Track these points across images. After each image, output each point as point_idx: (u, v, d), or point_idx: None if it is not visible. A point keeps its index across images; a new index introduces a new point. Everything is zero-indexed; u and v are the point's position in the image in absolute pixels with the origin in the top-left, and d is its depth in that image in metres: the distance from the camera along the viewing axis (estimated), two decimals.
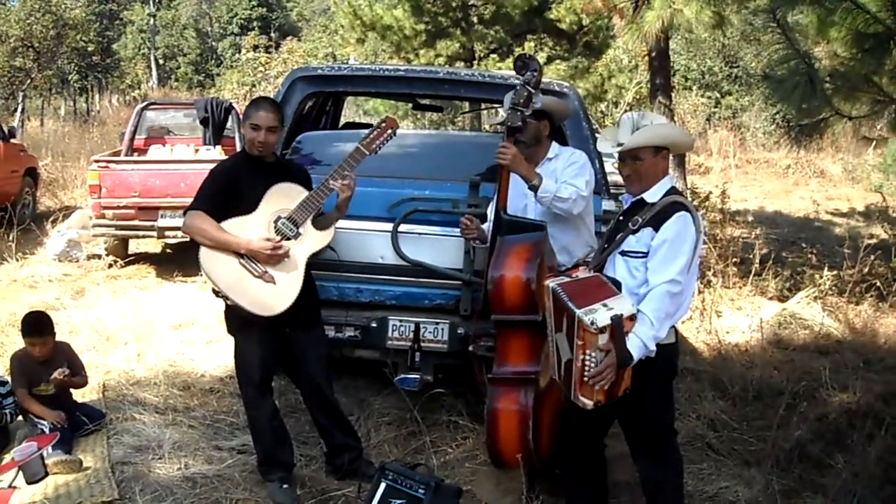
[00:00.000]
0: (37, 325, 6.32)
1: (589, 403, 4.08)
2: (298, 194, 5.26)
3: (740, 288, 10.35)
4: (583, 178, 5.31)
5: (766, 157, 27.87)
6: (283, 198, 5.26)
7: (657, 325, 4.18)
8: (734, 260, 10.66)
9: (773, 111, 30.22)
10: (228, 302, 5.22)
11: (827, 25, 7.41)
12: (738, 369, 7.81)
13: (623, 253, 4.42)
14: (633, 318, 4.14)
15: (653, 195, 4.44)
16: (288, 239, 5.20)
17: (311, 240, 5.28)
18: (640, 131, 4.44)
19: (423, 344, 6.04)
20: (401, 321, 6.08)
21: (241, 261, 5.13)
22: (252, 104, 5.47)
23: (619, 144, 4.46)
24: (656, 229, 4.29)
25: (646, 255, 4.32)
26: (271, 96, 6.55)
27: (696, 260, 4.42)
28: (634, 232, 4.37)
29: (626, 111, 27.38)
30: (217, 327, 9.05)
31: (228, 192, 5.28)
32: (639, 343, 4.13)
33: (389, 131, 5.43)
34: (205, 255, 5.18)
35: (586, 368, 4.02)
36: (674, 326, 4.45)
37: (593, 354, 4.00)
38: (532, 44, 19.19)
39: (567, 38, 18.35)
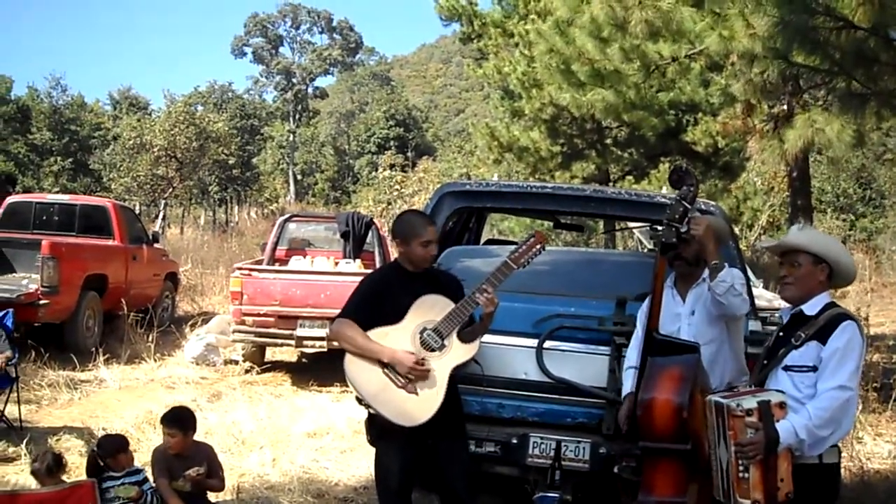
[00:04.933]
0: (178, 418, 6.40)
1: (747, 503, 4.01)
2: (445, 306, 5.28)
3: (880, 414, 10.02)
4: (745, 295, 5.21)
5: None
6: (430, 309, 5.29)
7: (815, 420, 4.11)
8: (874, 385, 10.33)
9: None
10: (371, 411, 5.25)
11: None
12: (881, 496, 7.55)
13: (787, 368, 4.34)
14: (782, 406, 4.09)
15: (812, 308, 4.38)
16: (433, 350, 5.22)
17: (456, 352, 5.28)
18: (803, 231, 4.41)
19: (563, 462, 5.90)
20: (542, 438, 5.96)
21: (385, 370, 5.17)
22: (413, 220, 5.60)
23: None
24: (822, 342, 4.23)
25: (811, 368, 4.25)
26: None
27: (860, 371, 4.33)
28: (798, 346, 4.31)
29: (759, 235, 27.22)
30: (352, 437, 9.11)
31: (377, 302, 5.36)
32: (789, 427, 4.06)
33: (538, 246, 5.40)
34: (350, 362, 5.25)
35: (740, 464, 3.99)
36: (838, 447, 4.35)
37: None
38: (667, 166, 19.16)
39: (703, 160, 18.29)
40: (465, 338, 5.34)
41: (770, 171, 26.84)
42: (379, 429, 5.39)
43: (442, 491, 5.62)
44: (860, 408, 9.65)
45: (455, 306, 5.27)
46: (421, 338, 5.24)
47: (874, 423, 9.83)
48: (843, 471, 8.21)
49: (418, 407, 5.14)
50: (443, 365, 5.24)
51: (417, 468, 5.48)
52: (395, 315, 5.29)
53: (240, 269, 12.51)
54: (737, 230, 25.13)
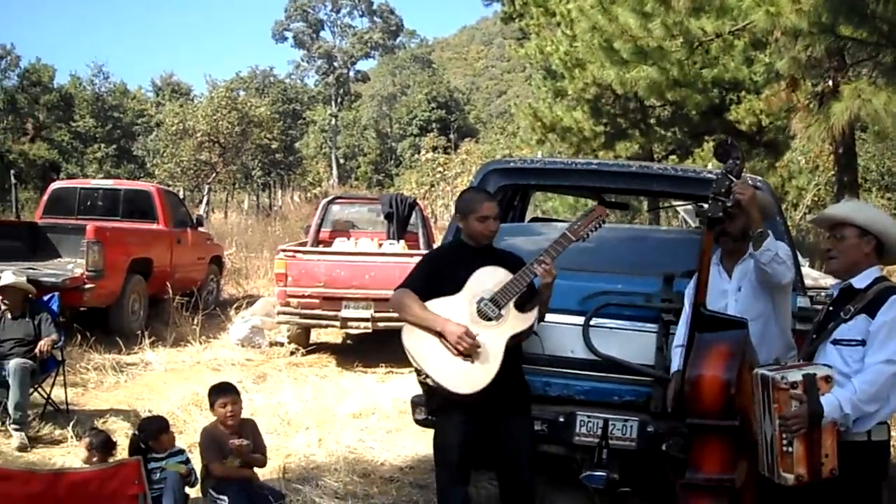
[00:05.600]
0: (226, 385, 6.51)
1: (790, 478, 3.99)
2: (504, 277, 5.27)
3: None
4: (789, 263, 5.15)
5: None
6: (488, 280, 5.29)
7: (861, 395, 4.06)
8: None
9: None
10: (427, 381, 5.26)
11: None
12: None
13: (835, 342, 4.28)
14: (828, 380, 4.05)
15: (861, 281, 4.33)
16: (489, 320, 5.20)
17: (513, 322, 5.24)
18: (848, 203, 4.36)
19: (610, 441, 5.85)
20: (589, 417, 5.91)
21: (442, 339, 5.16)
22: (470, 197, 5.61)
23: None
24: (871, 315, 4.17)
25: (860, 342, 4.19)
26: (450, 195, 6.62)
27: None
28: (847, 320, 4.25)
29: (804, 214, 26.95)
30: (398, 417, 9.12)
31: (437, 274, 5.42)
32: (833, 401, 4.01)
33: (599, 218, 5.40)
34: (407, 331, 5.27)
35: (784, 437, 3.97)
36: (888, 425, 4.29)
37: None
38: (710, 145, 19.01)
39: (747, 138, 18.12)
40: (523, 308, 5.32)
41: (815, 149, 26.52)
42: (440, 400, 5.36)
43: (500, 469, 5.57)
44: None
45: (513, 277, 5.26)
46: (478, 307, 5.23)
47: None
48: (892, 450, 8.15)
49: (474, 375, 5.12)
50: (499, 334, 5.21)
51: (478, 444, 5.43)
52: (453, 287, 5.31)
53: (284, 250, 12.56)
54: (784, 212, 24.92)
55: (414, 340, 5.24)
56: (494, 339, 5.18)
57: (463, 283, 5.30)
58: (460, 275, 5.32)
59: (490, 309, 5.21)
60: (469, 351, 5.10)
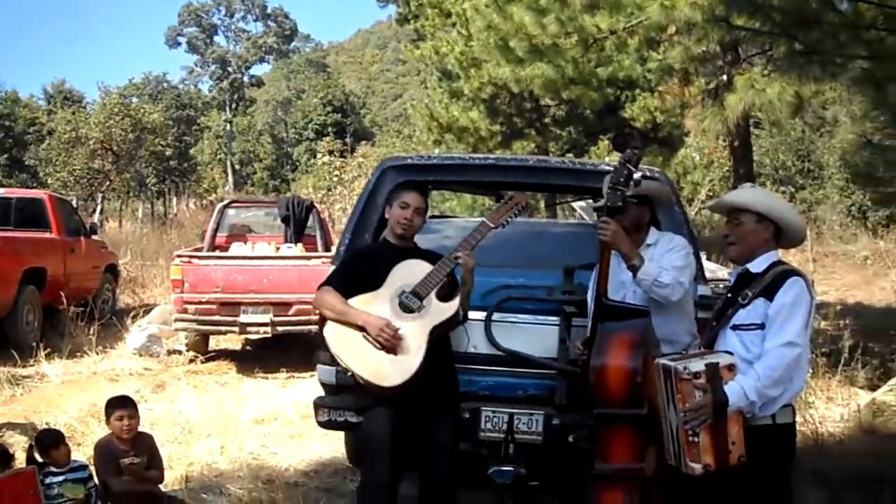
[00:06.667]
0: (122, 398, 6.33)
1: (697, 468, 4.00)
2: (424, 270, 5.27)
3: (830, 378, 10.12)
4: (683, 264, 5.19)
5: (844, 249, 27.53)
6: (409, 273, 5.28)
7: (764, 381, 4.08)
8: (822, 350, 10.43)
9: (848, 203, 30.00)
10: (349, 374, 5.22)
11: None
12: (836, 459, 7.60)
13: (735, 327, 4.31)
14: (731, 368, 4.08)
15: (757, 266, 4.37)
16: (410, 312, 5.17)
17: (435, 312, 5.22)
18: (746, 190, 4.41)
19: (516, 435, 5.83)
20: (494, 412, 5.89)
21: (364, 333, 5.12)
22: (398, 188, 5.77)
23: None
24: (769, 299, 4.20)
25: (759, 326, 4.22)
26: (347, 199, 6.61)
27: (810, 327, 4.32)
28: (745, 305, 4.28)
29: (699, 210, 27.44)
30: (300, 422, 9.07)
31: (359, 271, 5.42)
32: (738, 389, 4.04)
33: (517, 205, 5.44)
34: (329, 328, 5.24)
35: (688, 426, 3.97)
36: (792, 406, 4.33)
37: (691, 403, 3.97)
38: (606, 143, 19.27)
39: (642, 135, 18.37)
40: (445, 299, 5.30)
41: (709, 145, 27.07)
42: (366, 398, 5.29)
43: (422, 468, 5.49)
44: (810, 373, 9.75)
45: (433, 268, 5.26)
46: (400, 301, 5.21)
47: (825, 388, 9.92)
48: (797, 434, 8.32)
49: (398, 368, 5.08)
50: (422, 325, 5.17)
51: (406, 442, 5.34)
52: (376, 284, 5.29)
53: (180, 256, 12.34)
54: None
55: (336, 337, 5.21)
56: (417, 330, 5.15)
57: (385, 279, 5.28)
58: (382, 271, 5.31)
59: (411, 301, 5.19)
60: (391, 343, 5.07)
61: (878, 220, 29.45)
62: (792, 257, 25.25)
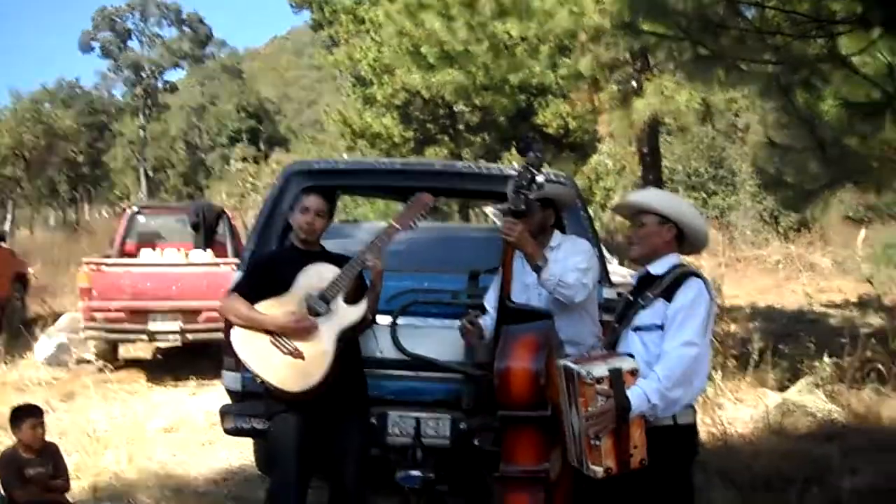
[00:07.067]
0: (28, 407, 6.29)
1: (599, 471, 3.99)
2: (331, 273, 5.23)
3: (740, 380, 10.30)
4: (586, 266, 5.24)
5: (756, 253, 27.89)
6: (317, 277, 5.24)
7: (665, 382, 4.08)
8: (732, 353, 10.59)
9: (760, 208, 30.46)
10: (258, 380, 5.15)
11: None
12: (744, 459, 7.71)
13: (636, 329, 4.34)
14: (634, 373, 4.09)
15: (658, 268, 4.40)
16: (318, 315, 5.14)
17: (343, 315, 5.19)
18: (648, 191, 4.44)
19: (424, 440, 5.82)
20: (401, 417, 5.91)
21: (273, 339, 5.08)
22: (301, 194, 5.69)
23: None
24: (669, 300, 4.23)
25: (660, 327, 4.24)
26: (261, 206, 6.59)
27: (710, 328, 4.36)
28: (646, 306, 4.31)
29: (613, 216, 27.68)
30: (210, 430, 8.99)
31: (266, 277, 5.36)
32: (640, 392, 4.03)
33: (425, 206, 5.46)
34: (236, 334, 5.18)
35: (591, 431, 3.97)
36: (693, 407, 4.37)
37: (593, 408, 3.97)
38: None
39: (554, 141, 18.57)
40: (352, 300, 5.27)
41: (621, 151, 27.33)
42: (274, 404, 5.24)
43: (332, 473, 5.46)
44: (720, 375, 9.90)
45: (340, 271, 5.23)
46: (307, 304, 5.16)
47: (734, 389, 10.10)
48: (705, 435, 8.43)
49: (304, 371, 5.04)
50: (329, 329, 5.14)
51: (315, 447, 5.30)
52: (283, 289, 5.25)
53: (87, 263, 12.14)
54: (590, 211, 25.53)
55: (244, 343, 5.15)
56: (325, 333, 5.12)
57: (291, 284, 5.25)
58: (288, 276, 5.27)
59: (318, 305, 5.15)
60: (306, 326, 5.07)
61: (789, 225, 29.89)
62: (704, 262, 25.71)
